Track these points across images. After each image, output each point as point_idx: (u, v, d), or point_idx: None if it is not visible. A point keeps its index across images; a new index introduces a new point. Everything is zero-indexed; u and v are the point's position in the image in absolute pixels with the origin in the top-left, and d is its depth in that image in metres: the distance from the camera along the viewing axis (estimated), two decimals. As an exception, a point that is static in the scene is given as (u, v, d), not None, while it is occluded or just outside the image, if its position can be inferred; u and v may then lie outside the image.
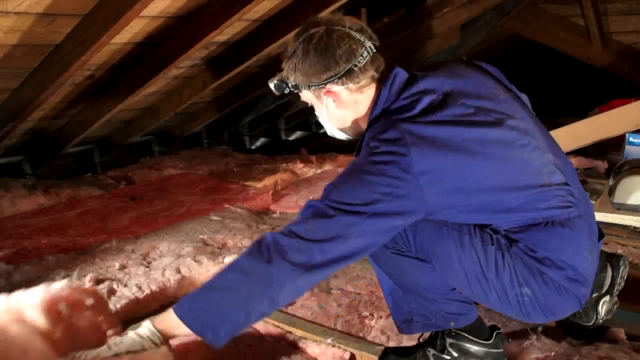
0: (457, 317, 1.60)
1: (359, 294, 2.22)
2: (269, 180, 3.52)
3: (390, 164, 1.34)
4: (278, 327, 1.95)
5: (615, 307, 1.77)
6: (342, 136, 1.63)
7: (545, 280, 1.43)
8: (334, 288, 2.28)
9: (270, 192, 3.29)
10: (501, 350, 1.65)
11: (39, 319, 1.61)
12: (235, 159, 4.36)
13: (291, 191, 3.38)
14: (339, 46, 1.42)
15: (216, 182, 3.51)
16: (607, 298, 1.73)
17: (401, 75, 1.48)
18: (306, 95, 1.54)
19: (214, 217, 2.78)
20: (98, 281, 2.07)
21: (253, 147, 5.64)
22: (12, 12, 2.25)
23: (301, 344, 1.85)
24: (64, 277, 2.09)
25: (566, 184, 1.49)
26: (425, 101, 1.42)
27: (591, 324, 1.74)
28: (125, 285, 2.05)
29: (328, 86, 1.46)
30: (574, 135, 3.28)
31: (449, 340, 1.64)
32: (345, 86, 1.46)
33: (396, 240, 1.52)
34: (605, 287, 1.74)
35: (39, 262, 2.24)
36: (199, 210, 2.95)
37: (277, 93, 1.54)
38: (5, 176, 3.62)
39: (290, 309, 2.11)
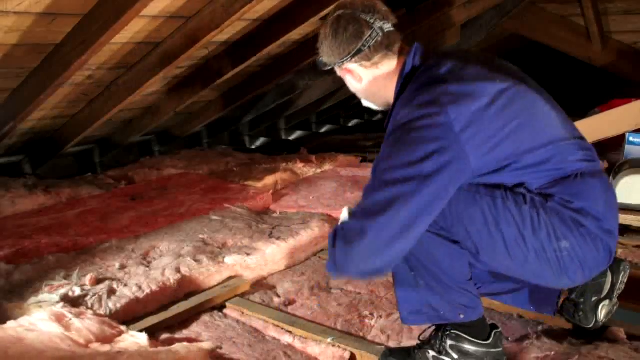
0: (467, 310, 1.60)
1: (359, 293, 2.22)
2: (269, 180, 3.52)
3: (430, 126, 1.41)
4: (278, 326, 1.96)
5: (615, 308, 1.77)
6: (372, 106, 1.75)
7: (582, 232, 1.47)
8: (334, 288, 2.28)
9: (271, 191, 3.29)
10: (500, 349, 1.65)
11: (50, 327, 1.62)
12: (236, 158, 4.35)
13: (291, 191, 3.38)
14: (346, 30, 1.55)
15: (216, 181, 3.51)
16: (606, 302, 1.74)
17: (421, 48, 1.61)
18: (337, 72, 1.69)
19: (214, 217, 2.78)
20: (98, 281, 2.07)
21: (253, 147, 5.64)
22: (12, 12, 2.25)
23: (301, 344, 1.85)
24: (64, 277, 2.09)
25: (584, 139, 1.59)
26: (449, 64, 1.52)
27: (591, 326, 1.75)
28: (125, 285, 2.05)
29: (345, 65, 1.61)
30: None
31: (449, 342, 1.63)
32: (359, 64, 1.59)
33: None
34: (605, 292, 1.74)
35: (39, 262, 2.24)
36: (199, 210, 2.95)
37: (321, 69, 1.69)
38: (5, 176, 3.62)
39: (290, 309, 2.11)
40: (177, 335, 1.92)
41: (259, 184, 3.44)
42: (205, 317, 2.05)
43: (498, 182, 1.50)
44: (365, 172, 3.68)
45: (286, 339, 1.89)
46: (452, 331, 1.64)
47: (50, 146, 3.80)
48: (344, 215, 1.53)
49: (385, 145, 1.49)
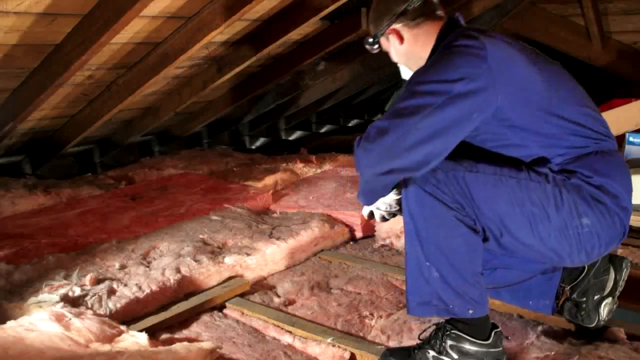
0: (477, 305, 1.60)
1: (359, 293, 2.22)
2: (269, 180, 3.52)
3: (468, 54, 1.53)
4: (278, 326, 1.96)
5: (615, 307, 1.77)
6: (409, 74, 1.80)
7: (600, 209, 1.54)
8: (334, 288, 2.28)
9: (270, 191, 3.29)
10: (500, 349, 1.65)
11: (50, 327, 1.62)
12: (236, 158, 4.35)
13: (291, 191, 3.38)
14: None
15: (216, 181, 3.51)
16: (608, 300, 1.74)
17: (461, 17, 1.74)
18: (383, 44, 1.80)
19: (214, 217, 2.78)
20: (98, 281, 2.07)
21: (253, 147, 5.64)
22: (12, 12, 2.25)
23: (301, 344, 1.85)
24: (64, 277, 2.09)
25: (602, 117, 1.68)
26: (485, 32, 1.64)
27: (593, 325, 1.75)
28: (125, 285, 2.05)
29: (393, 25, 1.73)
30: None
31: (449, 342, 1.63)
32: (403, 24, 1.72)
33: (454, 194, 1.57)
34: (608, 290, 1.75)
35: (39, 262, 2.24)
36: (199, 210, 2.95)
37: (370, 49, 1.82)
38: (5, 176, 3.62)
39: (290, 309, 2.11)
40: (177, 335, 1.92)
41: (259, 184, 3.44)
42: (205, 317, 2.05)
43: (525, 155, 1.58)
44: (365, 172, 3.68)
45: (286, 339, 1.89)
46: (453, 331, 1.64)
47: (50, 146, 3.80)
48: None
49: (426, 64, 1.63)
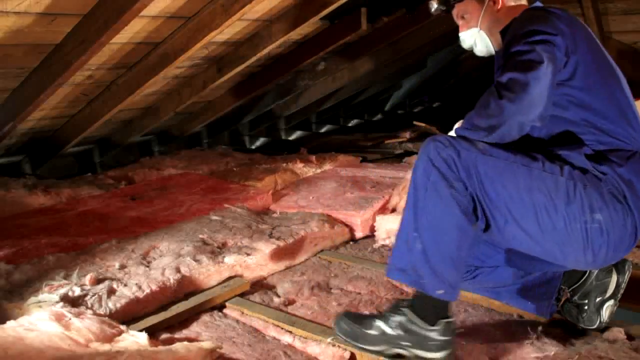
0: (448, 288, 1.62)
1: (359, 293, 2.22)
2: (269, 180, 3.52)
3: (555, 17, 1.63)
4: (278, 326, 1.96)
5: (615, 308, 1.77)
6: (485, 49, 1.90)
7: (617, 208, 1.55)
8: (334, 288, 2.28)
9: (270, 191, 3.29)
10: (445, 338, 1.65)
11: (50, 327, 1.62)
12: (235, 158, 4.35)
13: (291, 191, 3.38)
14: None
15: (216, 181, 3.51)
16: (611, 302, 1.74)
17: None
18: (467, 5, 1.85)
19: (214, 217, 2.78)
20: (98, 281, 2.07)
21: (253, 147, 5.64)
22: (12, 12, 2.25)
23: (301, 344, 1.85)
24: (64, 277, 2.09)
25: None
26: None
27: (594, 327, 1.75)
28: (125, 285, 2.05)
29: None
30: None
31: (397, 318, 1.68)
32: None
33: (460, 174, 1.59)
34: (610, 292, 1.75)
35: (39, 262, 2.24)
36: (199, 209, 2.95)
37: (436, 8, 1.89)
38: (5, 176, 3.62)
39: (290, 309, 2.11)
40: (177, 335, 1.92)
41: (259, 184, 3.44)
42: (205, 317, 2.05)
43: (568, 125, 1.63)
44: (365, 172, 3.68)
45: (286, 338, 1.89)
46: (404, 309, 1.68)
47: (50, 146, 3.80)
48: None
49: (520, 24, 1.66)
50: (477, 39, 1.89)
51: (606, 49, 1.77)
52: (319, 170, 3.87)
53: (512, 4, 1.83)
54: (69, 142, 3.71)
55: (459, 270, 1.64)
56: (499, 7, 1.82)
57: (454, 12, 1.90)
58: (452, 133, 1.71)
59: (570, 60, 1.60)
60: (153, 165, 4.03)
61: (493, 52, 1.90)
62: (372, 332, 1.70)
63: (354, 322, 1.74)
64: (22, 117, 3.04)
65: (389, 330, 1.68)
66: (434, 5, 1.84)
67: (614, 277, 1.76)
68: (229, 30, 3.20)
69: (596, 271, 1.77)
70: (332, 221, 2.78)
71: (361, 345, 1.72)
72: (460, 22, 1.91)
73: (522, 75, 1.51)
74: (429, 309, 1.66)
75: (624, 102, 1.66)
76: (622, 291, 1.78)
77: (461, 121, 1.69)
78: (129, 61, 3.15)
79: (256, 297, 2.20)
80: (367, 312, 1.86)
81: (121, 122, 4.10)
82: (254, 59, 3.58)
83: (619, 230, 1.55)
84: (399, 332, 1.67)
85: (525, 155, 1.59)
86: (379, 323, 1.70)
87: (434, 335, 1.65)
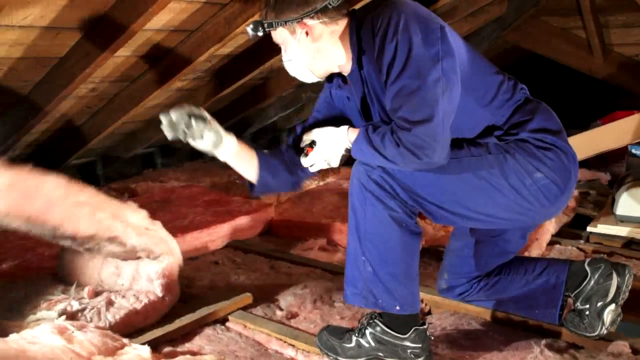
0: (404, 303, 1.68)
1: (362, 307, 2.21)
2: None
3: (422, 22, 1.52)
4: (281, 340, 1.95)
5: (619, 318, 1.76)
6: (307, 77, 1.74)
7: (550, 156, 1.60)
8: (337, 301, 2.27)
9: (273, 204, 3.29)
10: (419, 345, 1.71)
11: (52, 340, 1.62)
12: (238, 171, 4.35)
13: (294, 203, 3.38)
14: None
15: (219, 194, 3.51)
16: (612, 307, 1.73)
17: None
18: (280, 34, 1.66)
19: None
20: (96, 293, 2.05)
21: (255, 159, 5.63)
22: (17, 26, 2.27)
23: (304, 357, 1.85)
24: (62, 291, 2.08)
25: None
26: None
27: (595, 334, 1.74)
28: (124, 297, 2.03)
29: (304, 20, 1.60)
30: (576, 147, 3.24)
31: (369, 330, 1.75)
32: (320, 20, 1.61)
33: (396, 191, 1.62)
34: (611, 296, 1.74)
35: (37, 277, 2.23)
36: (201, 222, 2.95)
37: (252, 34, 1.66)
38: (8, 188, 3.62)
39: (292, 322, 2.10)
40: (180, 349, 1.91)
41: (262, 197, 3.44)
42: (208, 330, 2.04)
43: (473, 122, 1.63)
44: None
45: (289, 352, 1.89)
46: (376, 320, 1.74)
47: (53, 158, 3.80)
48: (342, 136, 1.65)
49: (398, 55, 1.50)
50: (297, 71, 1.74)
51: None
52: (321, 183, 3.87)
53: (337, 34, 1.64)
54: (72, 154, 3.71)
55: (412, 283, 1.70)
56: (316, 33, 1.63)
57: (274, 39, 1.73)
58: (349, 144, 1.65)
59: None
60: (156, 178, 4.04)
61: (321, 78, 1.78)
62: (350, 345, 1.76)
63: (334, 335, 1.80)
64: (26, 129, 3.05)
65: (364, 343, 1.75)
66: (249, 32, 1.66)
67: (614, 281, 1.76)
68: (232, 43, 3.21)
69: (597, 275, 1.77)
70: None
71: (340, 358, 1.77)
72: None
73: (425, 133, 1.46)
74: (399, 319, 1.71)
75: (493, 67, 1.69)
76: (623, 296, 1.77)
77: (352, 131, 1.64)
78: (132, 74, 3.16)
79: (259, 310, 2.20)
80: (347, 326, 1.91)
81: (124, 135, 4.11)
82: (256, 72, 3.59)
83: (562, 173, 1.62)
84: (374, 344, 1.73)
85: (450, 148, 1.56)
86: (355, 336, 1.76)
87: (407, 343, 1.71)
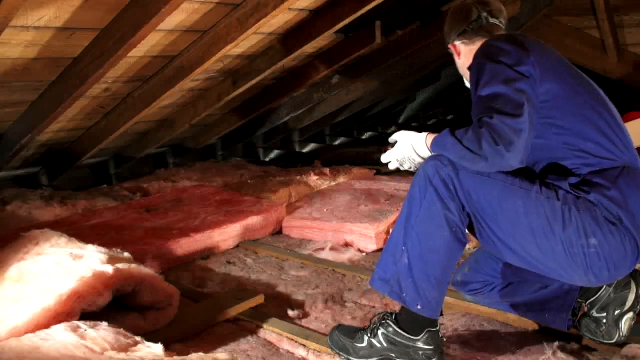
0: (428, 305, 1.66)
1: (374, 307, 2.21)
2: (283, 193, 3.52)
3: (512, 42, 1.69)
4: (292, 339, 1.95)
5: (634, 322, 1.75)
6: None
7: (611, 230, 1.54)
8: (348, 301, 2.27)
9: (285, 204, 3.29)
10: (431, 347, 1.70)
11: (66, 337, 1.63)
12: (250, 171, 4.37)
13: (305, 203, 3.38)
14: (460, 14, 1.90)
15: (231, 194, 3.52)
16: (630, 315, 1.72)
17: None
18: (452, 53, 1.97)
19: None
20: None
21: (267, 159, 5.66)
22: (32, 27, 2.29)
23: (315, 357, 1.85)
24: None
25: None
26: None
27: (613, 341, 1.73)
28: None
29: (453, 41, 1.92)
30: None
31: (382, 330, 1.74)
32: (461, 41, 1.89)
33: (457, 194, 1.62)
34: (629, 304, 1.73)
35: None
36: (213, 222, 2.96)
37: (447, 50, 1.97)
38: (22, 187, 3.66)
39: (304, 322, 2.11)
40: (192, 348, 1.92)
41: (273, 197, 3.45)
42: (219, 330, 2.05)
43: (553, 158, 1.64)
44: (379, 185, 3.67)
45: (300, 352, 1.89)
46: (389, 321, 1.73)
47: (66, 158, 3.84)
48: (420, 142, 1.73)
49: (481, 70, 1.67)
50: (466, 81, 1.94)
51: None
52: (333, 183, 3.87)
53: (472, 47, 1.86)
54: (85, 154, 3.74)
55: (442, 291, 1.68)
56: (460, 51, 1.91)
57: None
58: (425, 148, 1.73)
59: (541, 86, 1.62)
60: (168, 177, 4.06)
61: None
62: (361, 345, 1.76)
63: (345, 335, 1.80)
64: (40, 129, 3.08)
65: (375, 343, 1.75)
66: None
67: (633, 290, 1.74)
68: (244, 43, 3.23)
69: (614, 284, 1.75)
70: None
71: (352, 358, 1.77)
72: None
73: (510, 125, 1.51)
74: (413, 321, 1.70)
75: (602, 120, 1.66)
76: None
77: (431, 136, 1.72)
78: (145, 74, 3.18)
79: (270, 310, 2.20)
80: (358, 326, 1.90)
81: (137, 135, 4.14)
82: (268, 72, 3.60)
83: (617, 252, 1.55)
84: (386, 344, 1.73)
85: (522, 178, 1.61)
86: (367, 336, 1.76)
87: (420, 345, 1.70)
